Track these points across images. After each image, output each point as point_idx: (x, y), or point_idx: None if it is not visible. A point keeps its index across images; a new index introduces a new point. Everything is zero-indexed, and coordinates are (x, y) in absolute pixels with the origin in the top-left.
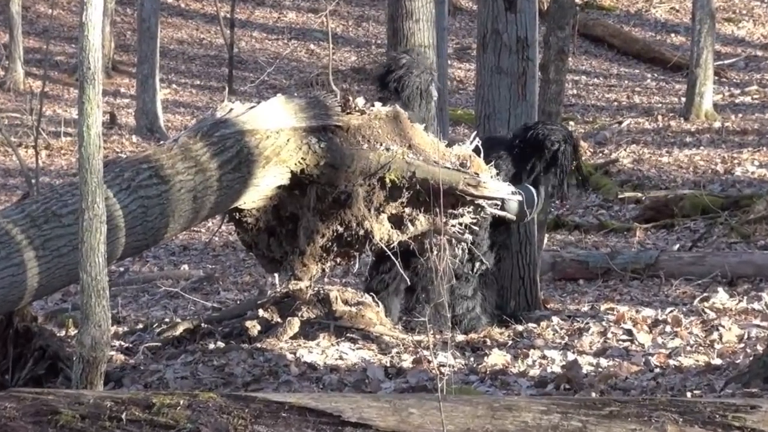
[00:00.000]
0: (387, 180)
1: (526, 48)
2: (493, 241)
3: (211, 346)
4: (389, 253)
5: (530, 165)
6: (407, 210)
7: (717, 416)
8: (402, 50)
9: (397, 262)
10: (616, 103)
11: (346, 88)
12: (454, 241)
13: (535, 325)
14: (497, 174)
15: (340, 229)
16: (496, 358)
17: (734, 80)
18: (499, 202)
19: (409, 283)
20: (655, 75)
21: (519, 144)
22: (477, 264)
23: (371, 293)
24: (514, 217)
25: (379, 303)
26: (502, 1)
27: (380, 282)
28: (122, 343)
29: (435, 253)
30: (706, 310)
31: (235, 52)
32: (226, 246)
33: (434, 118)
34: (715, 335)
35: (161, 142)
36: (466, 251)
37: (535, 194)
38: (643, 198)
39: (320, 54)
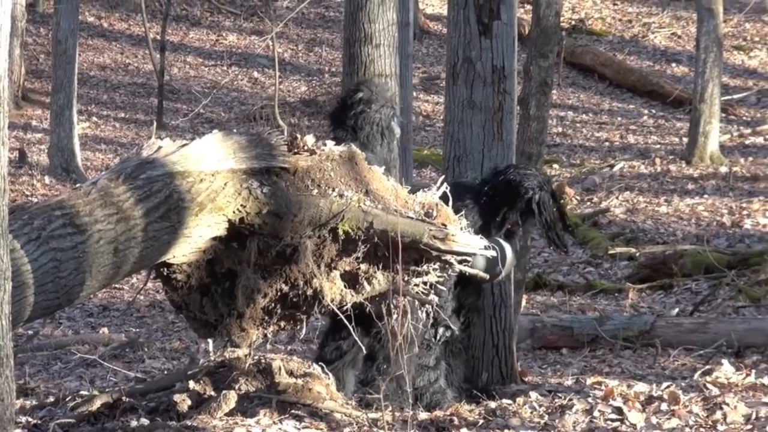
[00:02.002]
0: (340, 231)
1: (503, 79)
2: (461, 303)
3: (134, 423)
4: (342, 316)
5: (500, 216)
6: (363, 266)
7: None
8: (359, 81)
9: (352, 327)
10: (607, 144)
11: (294, 124)
12: (417, 303)
13: (510, 402)
14: (470, 226)
15: (285, 288)
16: None
17: (744, 118)
18: (470, 259)
19: (365, 352)
20: (653, 111)
21: (487, 191)
22: (441, 330)
23: (323, 363)
24: (486, 276)
25: (330, 374)
26: (475, 25)
27: (336, 350)
28: (30, 420)
29: (395, 317)
30: (709, 386)
31: (166, 79)
32: (153, 306)
33: (396, 159)
34: (718, 415)
35: (78, 184)
36: (431, 315)
37: (506, 249)
38: (638, 254)
39: (265, 83)
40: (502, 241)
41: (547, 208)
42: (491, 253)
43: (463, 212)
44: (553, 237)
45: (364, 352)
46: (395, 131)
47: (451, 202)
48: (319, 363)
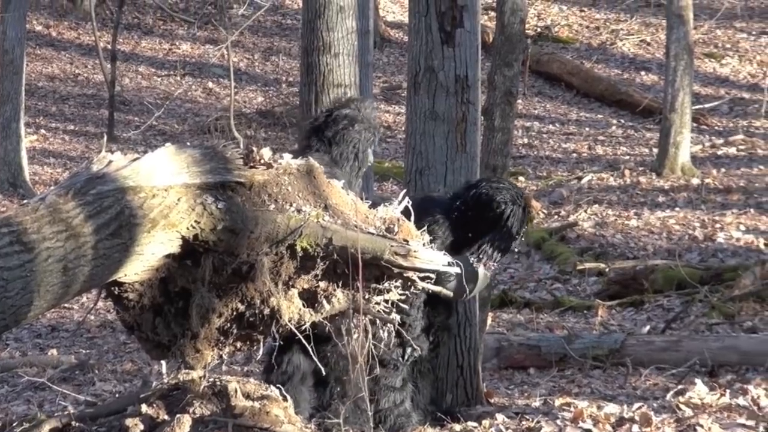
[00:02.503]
0: (298, 248)
1: (467, 89)
2: (431, 322)
3: None
4: (300, 336)
5: (472, 231)
6: (322, 284)
7: None
8: (349, 99)
9: (311, 348)
10: (575, 155)
11: (250, 136)
12: (378, 322)
13: (475, 425)
14: (432, 241)
15: (241, 308)
16: None
17: (716, 128)
18: (433, 276)
19: (319, 373)
20: (622, 121)
21: (459, 206)
22: (408, 350)
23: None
24: (451, 294)
25: (288, 397)
26: (437, 33)
27: (283, 375)
28: None
29: (355, 336)
30: (682, 406)
31: (117, 90)
32: (104, 327)
33: (359, 187)
34: None
35: (26, 200)
36: (393, 334)
37: (478, 266)
38: (607, 269)
39: (220, 94)
40: (473, 258)
41: (520, 223)
42: (455, 269)
43: (431, 227)
44: (503, 247)
45: (313, 370)
46: (368, 159)
47: (413, 217)
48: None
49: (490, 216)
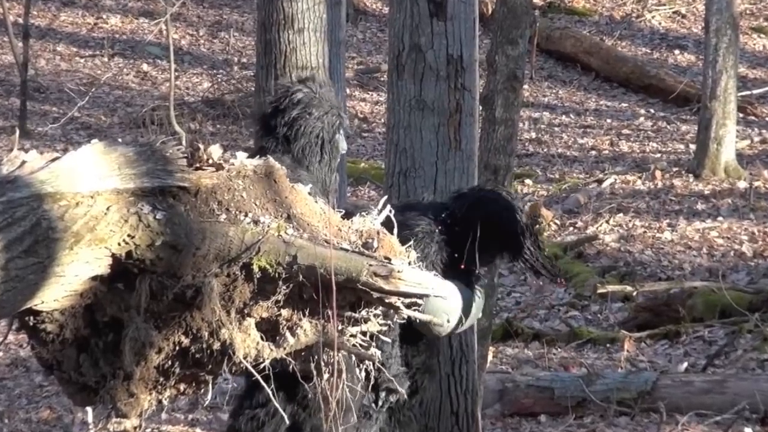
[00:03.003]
0: (255, 268)
1: (461, 72)
2: (408, 362)
3: None
4: (258, 377)
5: (461, 251)
6: (285, 312)
7: None
8: (299, 78)
9: (271, 391)
10: (594, 153)
11: (195, 130)
12: (354, 359)
13: None
14: (420, 259)
15: (185, 341)
16: None
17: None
18: (421, 302)
19: (288, 423)
20: (652, 111)
21: (444, 218)
22: (383, 394)
23: None
24: (442, 324)
25: None
26: (425, 3)
27: (252, 420)
28: None
29: (326, 377)
30: None
31: (31, 74)
32: (15, 365)
33: (337, 182)
34: None
35: None
36: (372, 374)
37: (474, 291)
38: (635, 293)
39: (157, 78)
40: (464, 287)
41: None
42: (450, 295)
43: (418, 242)
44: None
45: (287, 422)
46: (340, 146)
47: (397, 230)
48: None
49: (489, 230)
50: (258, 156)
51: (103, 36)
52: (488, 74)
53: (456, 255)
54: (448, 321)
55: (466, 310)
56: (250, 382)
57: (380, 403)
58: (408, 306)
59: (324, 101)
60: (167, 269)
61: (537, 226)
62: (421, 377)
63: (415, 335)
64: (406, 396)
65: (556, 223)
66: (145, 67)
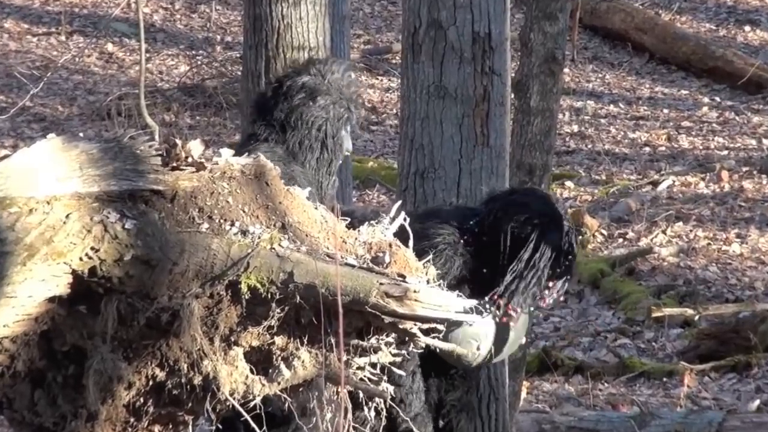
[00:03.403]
0: (243, 287)
1: (489, 53)
2: (441, 398)
3: None
4: (247, 417)
5: (488, 265)
6: (279, 340)
7: None
8: (307, 61)
9: None
10: (647, 150)
11: (170, 123)
12: (362, 396)
13: None
14: (442, 276)
15: (161, 375)
16: None
17: None
18: (442, 327)
19: None
20: (717, 99)
21: (472, 227)
22: None
23: None
24: (468, 355)
25: None
26: None
27: None
28: None
29: (328, 416)
30: None
31: None
32: None
33: (335, 188)
34: None
35: None
36: (383, 413)
37: (515, 316)
38: (697, 318)
39: (125, 61)
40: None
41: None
42: (475, 318)
43: (440, 256)
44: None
45: None
46: (344, 146)
47: (412, 241)
48: None
49: (527, 243)
50: (246, 147)
51: (59, 10)
52: (522, 55)
53: (485, 270)
54: (478, 349)
55: (501, 336)
56: (229, 426)
57: None
58: (426, 333)
59: (333, 90)
60: (138, 289)
61: (580, 237)
62: (457, 416)
63: (447, 366)
64: None
65: (602, 234)
66: (110, 47)
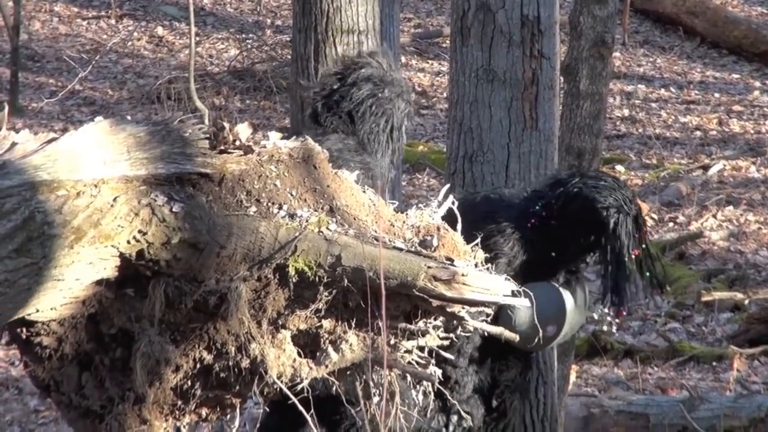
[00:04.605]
0: (291, 270)
1: (538, 36)
2: (495, 379)
3: None
4: (295, 400)
5: (559, 248)
6: (327, 324)
7: None
8: (371, 51)
9: (311, 417)
10: (698, 134)
11: (220, 107)
12: (410, 379)
13: None
14: (493, 260)
15: (208, 358)
16: None
17: None
18: (490, 311)
19: None
20: None
21: (538, 211)
22: (454, 418)
23: None
24: (518, 338)
25: None
26: None
27: None
28: None
29: (376, 400)
30: None
31: (24, 40)
32: (6, 386)
33: (392, 181)
34: None
35: None
36: (431, 396)
37: (565, 299)
38: (747, 302)
39: (174, 45)
40: (556, 287)
41: (630, 238)
42: (525, 302)
43: (492, 239)
44: (616, 289)
45: None
46: (403, 137)
47: (461, 226)
48: None
49: (587, 227)
50: (314, 139)
51: None
52: (571, 39)
53: (553, 254)
54: (532, 331)
55: (556, 318)
56: (281, 410)
57: (451, 428)
58: (476, 316)
59: (396, 81)
60: (186, 272)
61: (641, 228)
62: (511, 397)
63: (503, 347)
64: (482, 421)
65: (653, 218)
66: (159, 30)
